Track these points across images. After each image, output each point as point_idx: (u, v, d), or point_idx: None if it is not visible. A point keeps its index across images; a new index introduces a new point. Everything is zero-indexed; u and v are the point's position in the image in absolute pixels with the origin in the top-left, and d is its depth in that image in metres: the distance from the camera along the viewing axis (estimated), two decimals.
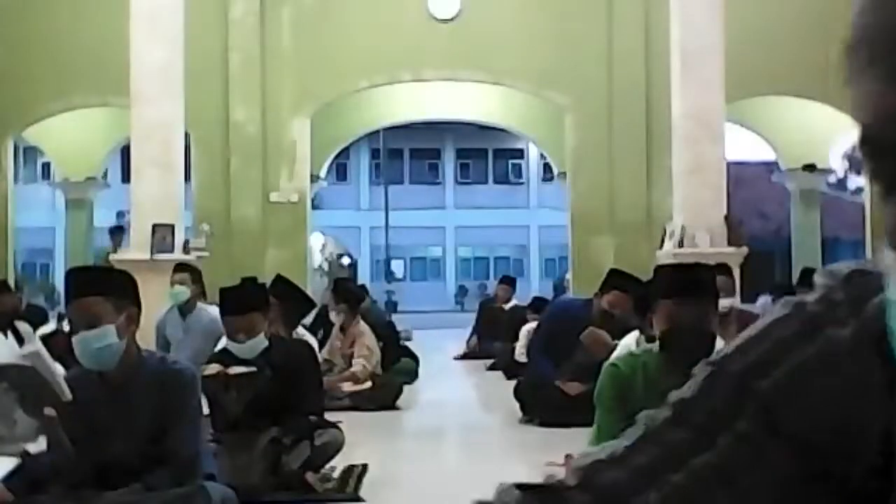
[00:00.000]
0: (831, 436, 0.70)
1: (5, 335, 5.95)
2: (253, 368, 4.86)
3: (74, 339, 3.56)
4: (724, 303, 6.92)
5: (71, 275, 3.69)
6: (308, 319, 9.80)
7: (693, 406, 0.75)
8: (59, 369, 3.65)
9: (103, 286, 3.60)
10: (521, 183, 42.93)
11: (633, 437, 0.76)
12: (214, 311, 7.44)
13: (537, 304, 12.64)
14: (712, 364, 0.76)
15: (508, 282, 14.70)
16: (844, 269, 0.74)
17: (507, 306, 13.71)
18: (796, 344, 0.72)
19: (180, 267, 7.87)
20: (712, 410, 0.73)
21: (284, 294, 6.63)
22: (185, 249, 11.28)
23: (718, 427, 0.72)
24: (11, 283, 11.62)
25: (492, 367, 11.74)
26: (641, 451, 0.75)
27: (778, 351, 0.73)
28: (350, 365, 8.69)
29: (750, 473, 0.71)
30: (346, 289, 9.71)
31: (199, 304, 7.62)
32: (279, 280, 7.13)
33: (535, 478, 0.79)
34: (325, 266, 33.71)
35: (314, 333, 8.87)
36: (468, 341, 13.92)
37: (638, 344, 5.44)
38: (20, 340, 3.68)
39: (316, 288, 12.99)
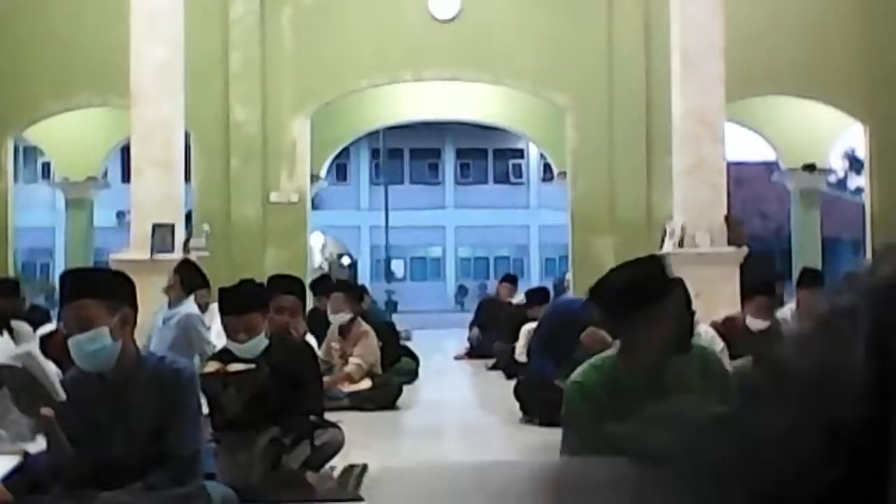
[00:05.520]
0: None
1: (1, 334, 5.97)
2: (252, 365, 4.86)
3: (70, 342, 3.56)
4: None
5: (64, 277, 3.68)
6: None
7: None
8: (53, 369, 3.64)
9: (95, 288, 3.59)
10: (521, 183, 42.94)
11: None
12: (191, 307, 7.78)
13: (538, 296, 12.49)
14: None
15: (510, 279, 14.71)
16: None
17: (514, 301, 13.68)
18: None
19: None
20: None
21: (297, 289, 6.64)
22: (185, 249, 11.28)
23: None
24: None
25: (492, 368, 11.73)
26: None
27: None
28: (348, 364, 8.67)
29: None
30: (345, 287, 9.48)
31: (185, 301, 7.89)
32: (283, 277, 7.05)
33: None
34: (325, 266, 33.70)
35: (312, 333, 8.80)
36: (469, 336, 13.88)
37: None
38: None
39: None
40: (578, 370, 3.50)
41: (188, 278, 8.01)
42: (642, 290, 3.30)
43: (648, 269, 3.40)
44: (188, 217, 12.62)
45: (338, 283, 9.61)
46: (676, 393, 3.41)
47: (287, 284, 6.61)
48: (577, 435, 3.42)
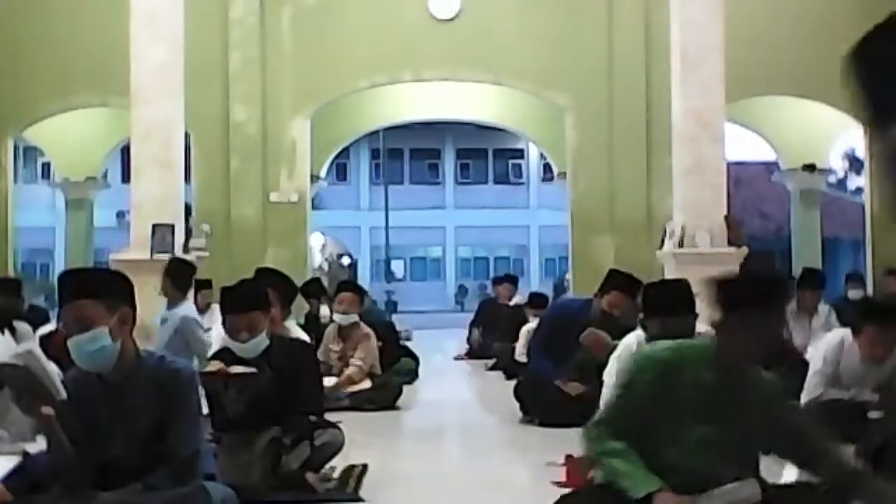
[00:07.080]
0: None
1: (2, 333, 5.97)
2: (253, 369, 4.86)
3: (69, 343, 3.56)
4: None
5: (62, 278, 3.68)
6: (301, 320, 9.69)
7: None
8: (54, 368, 3.64)
9: (94, 288, 3.59)
10: (521, 183, 42.95)
11: None
12: (187, 309, 7.85)
13: (537, 300, 12.59)
14: None
15: (509, 280, 14.69)
16: None
17: (512, 302, 13.67)
18: None
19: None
20: None
21: (275, 283, 6.63)
22: (186, 249, 11.27)
23: None
24: None
25: (492, 368, 11.74)
26: None
27: None
28: (347, 366, 8.65)
29: None
30: (354, 287, 9.37)
31: (183, 302, 7.95)
32: (264, 270, 7.14)
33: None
34: (325, 266, 33.71)
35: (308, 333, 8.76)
36: (468, 338, 13.85)
37: (639, 345, 5.43)
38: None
39: None
40: (670, 344, 3.49)
41: (178, 277, 8.02)
42: (772, 287, 3.38)
43: (782, 275, 3.47)
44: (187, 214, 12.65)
45: (347, 284, 9.52)
46: (745, 404, 3.38)
47: (266, 277, 6.65)
48: (623, 397, 3.42)
